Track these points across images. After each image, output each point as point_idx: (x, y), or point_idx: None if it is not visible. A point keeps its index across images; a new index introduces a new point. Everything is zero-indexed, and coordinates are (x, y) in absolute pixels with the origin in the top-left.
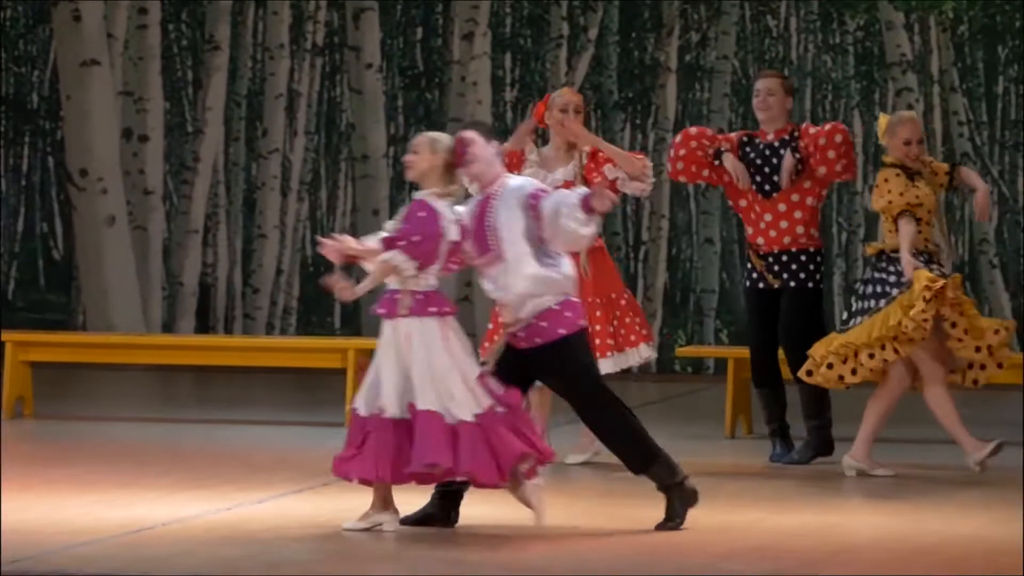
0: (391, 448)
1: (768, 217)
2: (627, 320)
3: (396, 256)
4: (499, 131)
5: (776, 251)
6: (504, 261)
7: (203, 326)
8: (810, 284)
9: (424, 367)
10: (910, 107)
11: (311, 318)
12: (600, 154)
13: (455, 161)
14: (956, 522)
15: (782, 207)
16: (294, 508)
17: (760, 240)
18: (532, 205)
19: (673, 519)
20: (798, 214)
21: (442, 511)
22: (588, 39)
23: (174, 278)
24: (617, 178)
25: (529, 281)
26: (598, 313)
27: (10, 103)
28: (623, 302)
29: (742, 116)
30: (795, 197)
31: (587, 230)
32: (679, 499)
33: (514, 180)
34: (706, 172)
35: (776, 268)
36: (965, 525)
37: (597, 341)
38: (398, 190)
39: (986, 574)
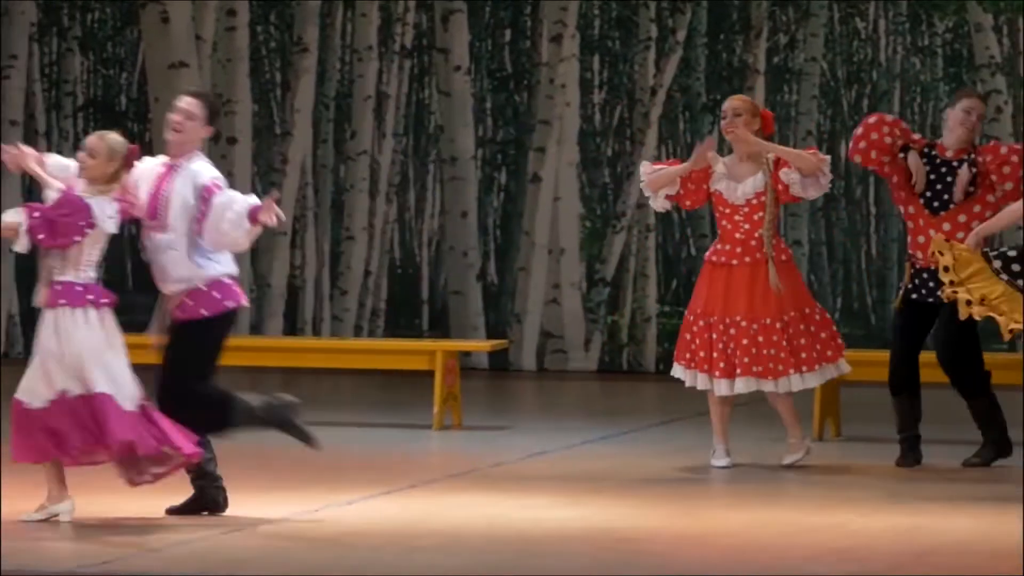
0: (64, 431)
1: (932, 233)
2: (823, 335)
3: (18, 217)
4: (587, 133)
5: (933, 268)
6: (166, 233)
7: (291, 328)
8: None
9: (89, 352)
10: (999, 109)
11: (399, 320)
12: (782, 160)
13: (126, 167)
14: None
15: (947, 226)
16: (382, 510)
17: (919, 254)
18: (204, 197)
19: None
20: (960, 235)
21: (204, 496)
22: (676, 41)
23: (262, 279)
24: (790, 183)
25: (179, 264)
26: (789, 330)
27: (98, 105)
28: (817, 316)
29: (830, 119)
30: (962, 218)
31: (245, 240)
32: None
33: (199, 162)
34: (887, 160)
35: (931, 284)
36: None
37: (781, 357)
38: (487, 192)
39: None
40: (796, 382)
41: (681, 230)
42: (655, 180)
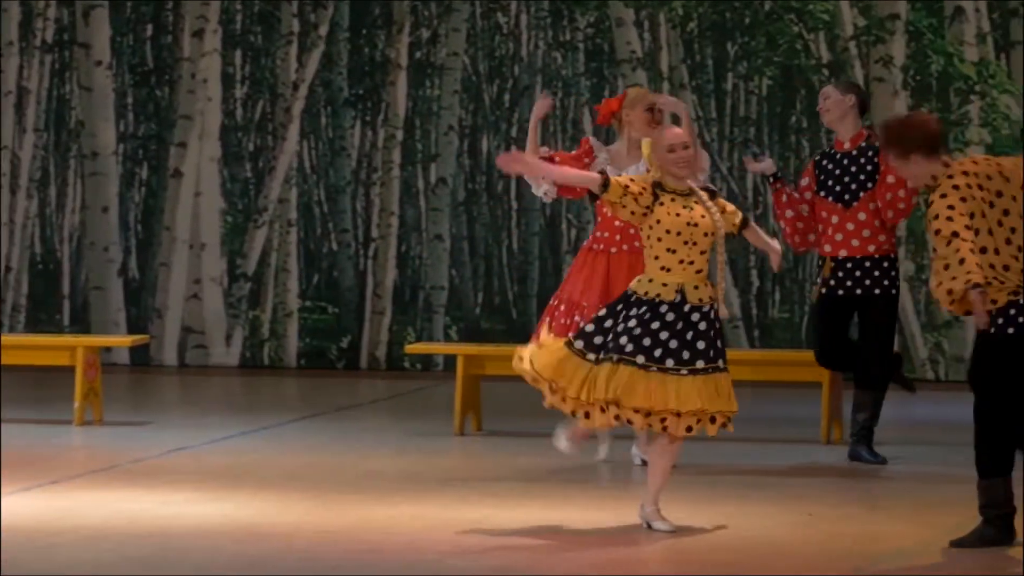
0: None
1: (849, 226)
2: None
3: None
4: (229, 128)
5: (853, 259)
6: None
7: None
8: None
9: None
10: None
11: (40, 316)
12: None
13: None
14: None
15: (862, 216)
16: (23, 506)
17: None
18: None
19: None
20: (877, 222)
21: None
22: (319, 36)
23: None
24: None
25: None
26: None
27: None
28: None
29: (472, 113)
30: (872, 206)
31: None
32: None
33: None
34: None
35: (855, 275)
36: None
37: None
38: (128, 187)
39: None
40: None
41: (323, 225)
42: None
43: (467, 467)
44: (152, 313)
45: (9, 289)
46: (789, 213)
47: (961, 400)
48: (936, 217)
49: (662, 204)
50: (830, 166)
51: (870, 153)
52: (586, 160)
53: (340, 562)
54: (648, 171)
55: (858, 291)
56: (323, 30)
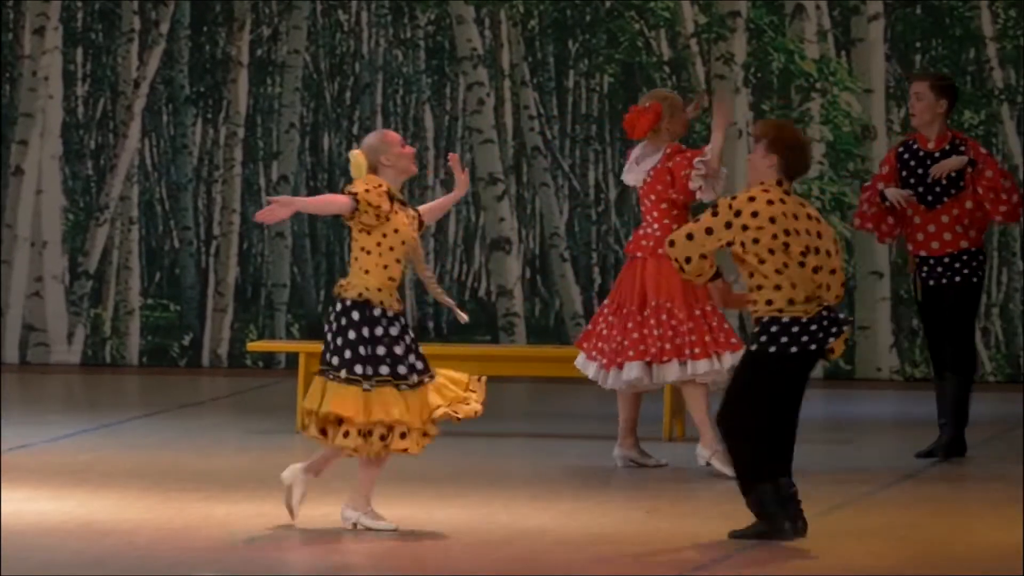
0: None
1: (931, 228)
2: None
3: None
4: (70, 125)
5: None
6: None
7: None
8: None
9: None
10: (481, 101)
11: None
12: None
13: None
14: (520, 516)
15: (945, 218)
16: None
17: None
18: None
19: None
20: (959, 228)
21: None
22: (160, 33)
23: None
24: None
25: None
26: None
27: None
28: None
29: (313, 111)
30: (955, 211)
31: None
32: None
33: None
34: (881, 216)
35: (938, 269)
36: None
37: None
38: None
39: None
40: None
41: (164, 223)
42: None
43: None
44: None
45: None
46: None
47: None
48: (734, 199)
49: (396, 213)
50: (912, 163)
51: (957, 154)
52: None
53: (180, 560)
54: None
55: (943, 281)
56: (164, 27)
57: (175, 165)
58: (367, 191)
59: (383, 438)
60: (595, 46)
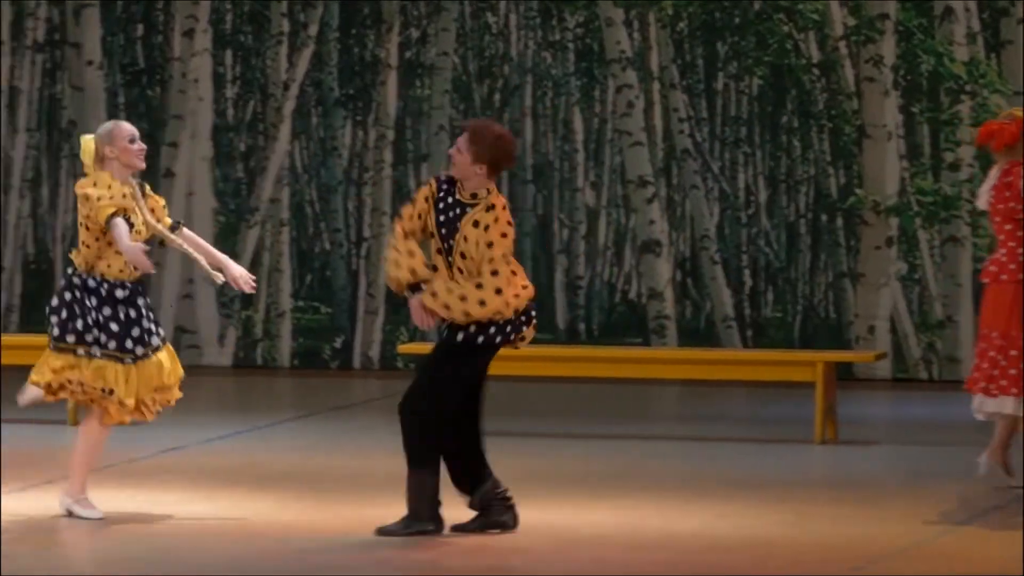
0: None
1: None
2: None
3: None
4: (220, 128)
5: None
6: None
7: None
8: None
9: None
10: (630, 104)
11: (33, 317)
12: None
13: None
14: (672, 519)
15: None
16: (18, 506)
17: None
18: None
19: None
20: None
21: None
22: (308, 35)
23: None
24: None
25: None
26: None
27: None
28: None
29: (463, 113)
30: None
31: None
32: None
33: None
34: None
35: None
36: (681, 522)
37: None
38: None
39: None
40: None
41: (315, 225)
42: None
43: None
44: None
45: (3, 289)
46: None
47: (956, 400)
48: (505, 232)
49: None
50: None
51: None
52: None
53: (334, 562)
54: None
55: None
56: (313, 30)
57: (325, 167)
58: (125, 209)
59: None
60: (744, 48)
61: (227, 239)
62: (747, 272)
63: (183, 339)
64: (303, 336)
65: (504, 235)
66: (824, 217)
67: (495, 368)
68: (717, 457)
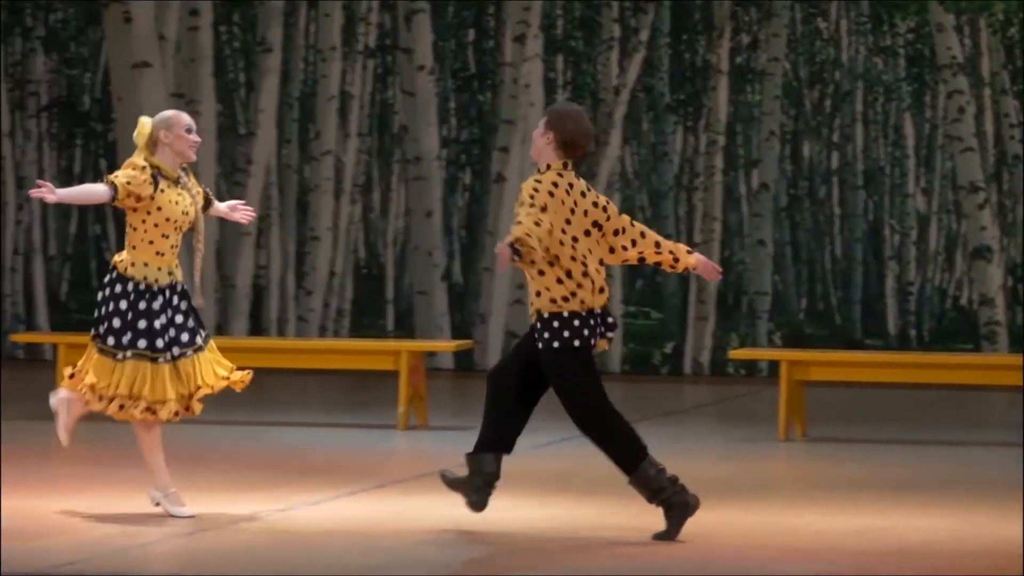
0: None
1: None
2: None
3: None
4: None
5: None
6: None
7: (256, 328)
8: None
9: None
10: (961, 109)
11: (364, 320)
12: None
13: None
14: (1002, 525)
15: None
16: (349, 510)
17: None
18: None
19: None
20: None
21: None
22: (639, 41)
23: (227, 280)
24: None
25: None
26: None
27: (62, 105)
28: None
29: (793, 118)
30: None
31: None
32: None
33: None
34: None
35: None
36: (1011, 528)
37: None
38: (451, 192)
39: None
40: None
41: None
42: None
43: (792, 473)
44: (476, 318)
45: (334, 294)
46: None
47: None
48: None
49: (164, 191)
50: None
51: None
52: None
53: (665, 566)
54: None
55: None
56: (644, 35)
57: (656, 173)
58: (128, 183)
59: (122, 408)
60: None
61: None
62: None
63: (513, 344)
64: (633, 341)
65: (525, 190)
66: None
67: (824, 374)
68: None
